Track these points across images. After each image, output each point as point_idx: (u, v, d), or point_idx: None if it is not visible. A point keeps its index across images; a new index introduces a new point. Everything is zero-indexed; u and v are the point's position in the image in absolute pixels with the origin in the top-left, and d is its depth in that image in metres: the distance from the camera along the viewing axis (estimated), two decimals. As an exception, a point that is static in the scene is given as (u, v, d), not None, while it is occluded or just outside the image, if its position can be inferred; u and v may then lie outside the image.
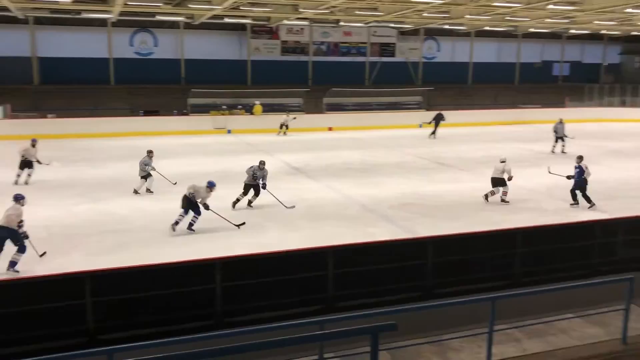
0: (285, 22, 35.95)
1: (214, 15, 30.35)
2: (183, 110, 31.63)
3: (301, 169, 19.83)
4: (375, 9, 29.11)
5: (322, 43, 40.75)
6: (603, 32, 42.80)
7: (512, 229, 10.20)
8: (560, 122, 23.83)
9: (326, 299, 8.73)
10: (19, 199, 10.30)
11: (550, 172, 16.07)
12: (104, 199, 15.28)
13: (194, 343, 4.80)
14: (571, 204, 14.67)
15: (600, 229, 10.44)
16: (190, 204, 12.20)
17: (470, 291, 8.67)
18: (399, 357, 6.47)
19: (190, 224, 12.21)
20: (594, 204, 14.34)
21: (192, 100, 31.62)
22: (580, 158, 14.95)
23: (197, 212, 12.24)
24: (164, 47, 37.00)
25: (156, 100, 32.66)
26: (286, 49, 39.83)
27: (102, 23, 34.40)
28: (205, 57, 37.58)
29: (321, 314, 8.12)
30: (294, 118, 29.12)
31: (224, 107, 31.66)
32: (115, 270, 8.06)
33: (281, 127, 28.87)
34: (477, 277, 9.40)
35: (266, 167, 14.62)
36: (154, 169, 15.94)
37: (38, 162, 17.13)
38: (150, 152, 16.16)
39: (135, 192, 15.66)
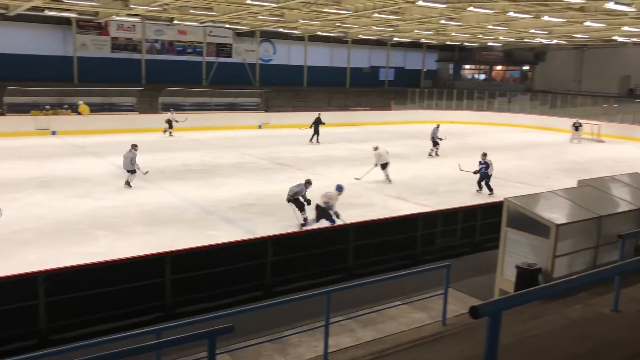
0: (115, 17, 34.04)
1: (33, 7, 27.74)
2: (-2, 109, 28.49)
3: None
4: (210, 9, 28.76)
5: (156, 41, 39.27)
6: (422, 40, 46.77)
7: (345, 225, 10.72)
8: (437, 127, 24.86)
9: (165, 307, 8.46)
10: None
11: (461, 169, 17.72)
12: None
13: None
14: (477, 190, 17.02)
15: (423, 221, 11.38)
16: (324, 213, 12.20)
17: (309, 286, 8.96)
18: (239, 358, 6.49)
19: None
20: (492, 192, 16.48)
21: (8, 99, 28.56)
22: (484, 155, 17.04)
23: (332, 221, 12.15)
24: (-27, 39, 33.03)
25: (-37, 98, 29.03)
26: (117, 46, 37.74)
27: None
28: (24, 52, 34.16)
29: (160, 322, 7.85)
30: (185, 119, 28.20)
31: (47, 106, 29.07)
32: None
33: (170, 125, 27.84)
34: (314, 273, 9.75)
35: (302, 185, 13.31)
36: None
37: None
38: (135, 146, 16.81)
39: (128, 184, 16.33)
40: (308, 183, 13.25)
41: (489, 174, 16.89)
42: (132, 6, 27.40)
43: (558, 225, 7.86)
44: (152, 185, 17.15)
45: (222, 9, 28.97)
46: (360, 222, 11.06)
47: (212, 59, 41.78)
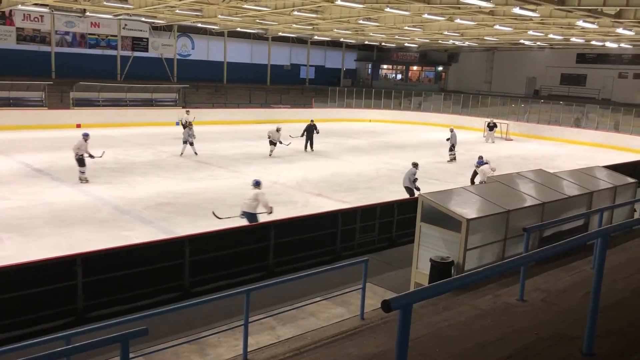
0: (21, 7, 32.09)
1: None
2: None
3: (45, 171, 17.99)
4: (125, 1, 27.72)
5: (67, 33, 37.39)
6: (342, 40, 47.39)
7: (266, 223, 10.68)
8: (452, 130, 24.28)
9: (76, 311, 8.09)
10: None
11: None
12: None
13: None
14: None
15: (342, 217, 11.54)
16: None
17: (229, 286, 8.86)
18: (156, 361, 6.33)
19: None
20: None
21: None
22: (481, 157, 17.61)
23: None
24: None
25: None
26: (23, 37, 35.57)
27: None
28: None
29: (72, 327, 7.50)
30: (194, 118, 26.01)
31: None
32: None
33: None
34: (234, 272, 9.65)
35: None
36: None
37: None
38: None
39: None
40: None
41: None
42: (39, -5, 25.96)
43: (469, 220, 8.21)
44: (63, 184, 16.35)
45: (137, 2, 28.02)
46: (280, 219, 11.05)
47: (127, 53, 40.34)
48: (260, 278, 9.58)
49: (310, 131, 24.99)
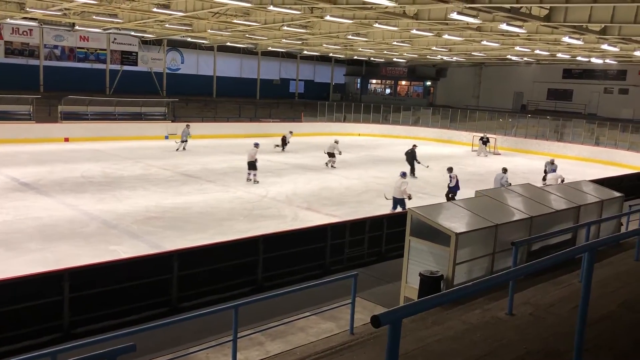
0: (10, 20, 32.00)
1: None
2: None
3: (31, 185, 17.84)
4: (114, 16, 27.75)
5: (56, 47, 37.34)
6: (331, 54, 47.69)
7: (255, 237, 10.64)
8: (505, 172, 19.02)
9: (62, 327, 7.99)
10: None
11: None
12: None
13: None
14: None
15: (332, 231, 11.53)
16: None
17: (218, 301, 8.80)
18: (143, 378, 6.26)
19: None
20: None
21: None
22: (450, 169, 18.20)
23: None
24: None
25: None
26: (11, 50, 35.51)
27: None
28: None
29: (58, 344, 7.41)
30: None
31: None
32: None
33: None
34: (223, 287, 9.59)
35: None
36: None
37: None
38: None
39: None
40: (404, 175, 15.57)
41: (457, 187, 17.60)
42: (28, 9, 25.90)
43: (457, 234, 8.24)
44: (50, 198, 16.22)
45: (127, 16, 28.05)
46: (269, 234, 11.03)
47: (117, 67, 40.33)
48: (249, 293, 9.54)
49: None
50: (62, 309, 8.00)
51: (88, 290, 8.25)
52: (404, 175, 15.93)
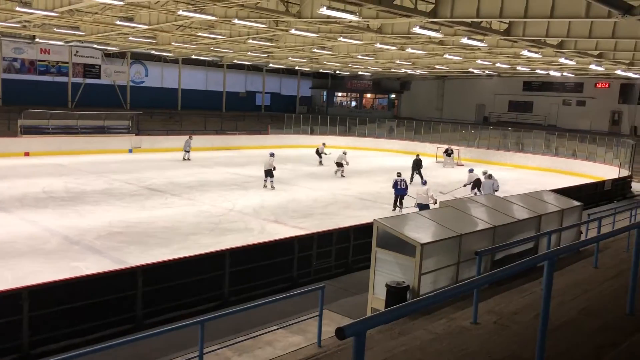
0: (-34, 32, 31.25)
1: None
2: None
3: (-11, 201, 17.32)
4: (76, 28, 27.31)
5: (15, 59, 36.53)
6: (297, 67, 47.89)
7: (221, 251, 10.54)
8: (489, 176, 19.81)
9: (21, 347, 7.75)
10: None
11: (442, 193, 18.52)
12: None
13: None
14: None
15: (299, 244, 11.51)
16: None
17: (184, 316, 8.68)
18: (106, 397, 6.11)
19: None
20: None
21: None
22: (399, 174, 18.87)
23: None
24: None
25: None
26: (-32, 63, 34.63)
27: None
28: None
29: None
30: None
31: None
32: None
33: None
34: (189, 302, 9.46)
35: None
36: None
37: None
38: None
39: None
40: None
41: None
42: (-15, 21, 25.30)
43: (423, 244, 8.33)
44: (8, 214, 15.77)
45: (89, 29, 27.67)
46: (236, 247, 10.94)
47: (79, 80, 39.67)
48: (215, 308, 9.42)
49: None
50: (21, 329, 7.76)
51: (48, 309, 8.03)
52: (425, 183, 18.15)
